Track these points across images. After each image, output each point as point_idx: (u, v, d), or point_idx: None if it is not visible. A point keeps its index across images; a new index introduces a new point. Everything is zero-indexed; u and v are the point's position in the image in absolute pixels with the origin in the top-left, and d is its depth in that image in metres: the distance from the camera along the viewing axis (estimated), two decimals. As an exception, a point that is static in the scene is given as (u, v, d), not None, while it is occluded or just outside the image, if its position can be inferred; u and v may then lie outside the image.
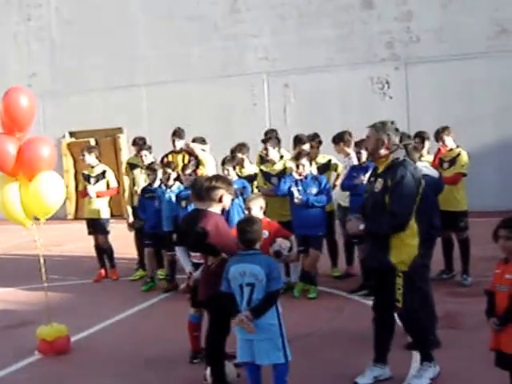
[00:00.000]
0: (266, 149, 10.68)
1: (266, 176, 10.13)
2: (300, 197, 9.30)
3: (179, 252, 7.16)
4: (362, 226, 6.12)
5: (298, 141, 10.44)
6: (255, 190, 10.01)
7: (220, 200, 6.47)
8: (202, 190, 6.54)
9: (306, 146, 10.21)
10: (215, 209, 6.47)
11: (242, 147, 10.74)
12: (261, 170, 10.24)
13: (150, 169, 10.84)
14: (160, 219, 10.54)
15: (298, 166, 9.49)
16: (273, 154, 10.36)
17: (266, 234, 6.98)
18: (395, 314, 6.32)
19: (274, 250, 6.64)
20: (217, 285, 5.93)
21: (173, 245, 10.15)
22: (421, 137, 9.92)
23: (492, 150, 16.06)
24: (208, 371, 6.39)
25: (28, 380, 7.10)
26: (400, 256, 6.05)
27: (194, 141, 11.50)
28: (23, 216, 7.65)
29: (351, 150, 9.98)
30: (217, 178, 6.74)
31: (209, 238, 6.13)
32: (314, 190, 9.43)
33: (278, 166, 10.16)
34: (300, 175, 9.47)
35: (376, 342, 6.44)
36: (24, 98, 7.56)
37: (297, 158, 9.56)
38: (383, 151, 6.19)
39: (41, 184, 7.60)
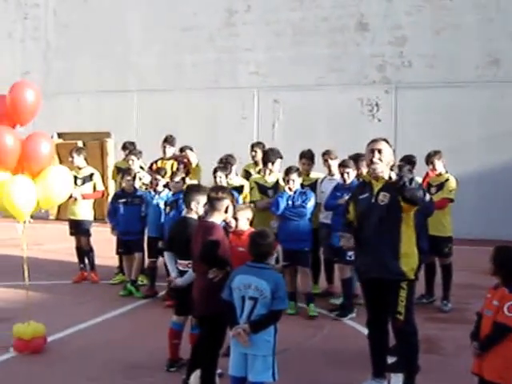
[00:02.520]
0: (255, 151, 10.86)
1: (262, 188, 10.14)
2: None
3: (167, 257, 7.21)
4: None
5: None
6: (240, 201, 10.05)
7: (225, 211, 6.46)
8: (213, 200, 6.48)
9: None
10: (218, 219, 6.44)
11: (231, 157, 10.78)
12: (256, 183, 10.21)
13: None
14: (130, 224, 10.66)
15: (288, 182, 9.54)
16: (260, 156, 10.72)
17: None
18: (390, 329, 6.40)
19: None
20: (217, 300, 5.81)
21: (157, 251, 10.36)
22: (409, 160, 9.88)
23: (476, 178, 16.21)
24: (192, 380, 6.36)
25: (1, 377, 7.06)
26: (410, 264, 6.23)
27: (182, 149, 11.58)
28: (25, 210, 7.63)
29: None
30: (222, 188, 6.75)
31: (219, 250, 6.12)
32: None
33: (272, 179, 10.19)
34: (290, 190, 9.49)
35: (372, 358, 6.53)
36: (30, 92, 7.66)
37: (287, 173, 9.59)
38: (390, 166, 6.32)
39: (54, 178, 7.75)
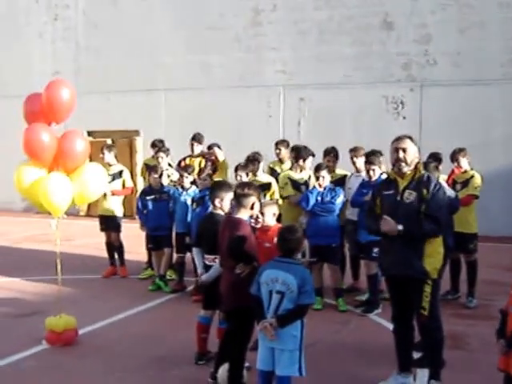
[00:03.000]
0: (279, 149, 11.06)
1: (295, 184, 10.20)
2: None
3: (195, 253, 7.26)
4: (400, 227, 6.13)
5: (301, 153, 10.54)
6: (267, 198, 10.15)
7: (252, 207, 6.45)
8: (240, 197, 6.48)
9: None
10: (244, 216, 6.45)
11: (258, 155, 10.84)
12: (289, 179, 10.25)
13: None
14: (159, 220, 10.82)
15: (317, 178, 9.65)
16: (284, 153, 10.88)
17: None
18: (415, 324, 6.43)
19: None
20: (245, 294, 5.87)
21: (185, 246, 10.52)
22: (435, 157, 9.93)
23: (501, 176, 16.17)
24: (220, 373, 6.43)
25: (34, 369, 7.19)
26: (434, 263, 6.23)
27: (210, 147, 11.73)
28: (61, 206, 7.75)
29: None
30: (249, 185, 6.69)
31: (246, 245, 6.14)
32: None
33: (303, 175, 10.29)
34: (320, 187, 9.59)
35: (398, 353, 6.56)
36: (65, 90, 7.79)
37: (316, 170, 9.69)
38: (415, 163, 6.37)
39: (89, 175, 7.93)
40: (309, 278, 5.69)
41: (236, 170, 10.08)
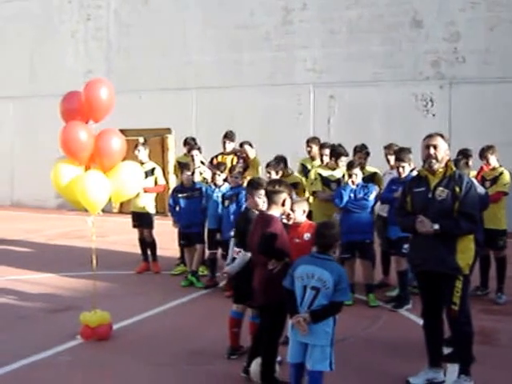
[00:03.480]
0: (310, 147, 11.15)
1: (325, 181, 10.27)
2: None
3: (231, 245, 7.45)
4: (436, 226, 6.15)
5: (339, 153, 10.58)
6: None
7: (283, 204, 6.46)
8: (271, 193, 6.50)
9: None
10: (276, 212, 6.46)
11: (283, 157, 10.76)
12: (319, 175, 10.33)
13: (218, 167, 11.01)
14: (191, 217, 10.91)
15: (350, 176, 9.71)
16: (315, 151, 11.07)
17: (308, 236, 7.17)
18: (445, 320, 6.46)
19: None
20: (277, 290, 5.97)
21: (216, 243, 10.66)
22: (465, 154, 9.99)
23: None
24: (253, 367, 6.52)
25: (69, 363, 7.26)
26: (466, 259, 6.27)
27: (241, 145, 11.85)
28: (99, 203, 7.86)
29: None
30: (280, 182, 6.69)
31: (277, 242, 6.15)
32: None
33: (337, 174, 10.33)
34: (353, 184, 9.65)
35: (428, 348, 6.59)
36: (104, 90, 7.90)
37: (349, 167, 9.75)
38: (445, 161, 6.40)
39: (126, 173, 8.04)
40: (345, 276, 5.71)
41: (267, 167, 10.16)
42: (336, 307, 5.67)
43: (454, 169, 6.53)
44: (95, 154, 7.88)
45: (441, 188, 6.30)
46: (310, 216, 8.05)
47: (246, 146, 11.64)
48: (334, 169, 10.41)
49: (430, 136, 6.52)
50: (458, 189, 6.24)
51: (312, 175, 10.50)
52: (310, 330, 5.62)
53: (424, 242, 6.32)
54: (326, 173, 10.40)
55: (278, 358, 6.60)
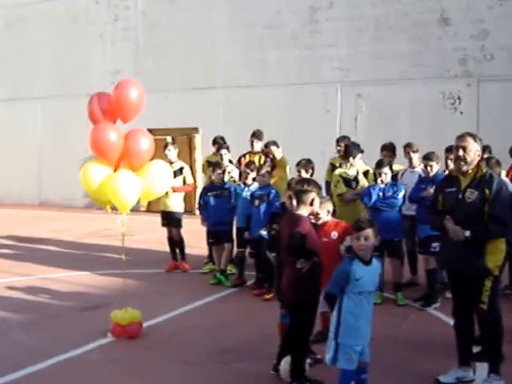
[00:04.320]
0: (340, 145, 11.16)
1: (346, 181, 10.27)
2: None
3: None
4: (467, 233, 6.10)
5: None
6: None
7: (311, 203, 6.45)
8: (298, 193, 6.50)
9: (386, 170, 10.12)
10: (304, 212, 6.45)
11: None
12: (341, 177, 10.33)
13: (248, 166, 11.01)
14: (220, 215, 10.96)
15: (380, 175, 9.68)
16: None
17: (335, 235, 7.28)
18: (475, 319, 6.43)
19: (345, 246, 6.74)
20: (306, 289, 6.09)
21: (245, 241, 10.71)
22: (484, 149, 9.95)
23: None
24: (282, 365, 6.54)
25: (99, 360, 7.33)
26: (495, 261, 6.22)
27: (267, 145, 11.87)
28: (130, 202, 7.94)
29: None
30: (308, 181, 6.68)
31: (306, 241, 6.16)
32: None
33: (353, 172, 10.35)
34: (382, 183, 9.63)
35: (458, 346, 6.57)
36: (134, 91, 7.97)
37: (379, 166, 9.72)
38: (476, 162, 6.33)
39: (156, 172, 8.11)
40: (339, 270, 5.77)
41: (297, 165, 10.18)
42: (326, 296, 5.88)
43: (485, 170, 6.45)
44: (124, 153, 7.94)
45: (470, 189, 6.26)
46: (334, 216, 8.05)
47: (272, 147, 11.68)
48: (350, 168, 10.43)
49: (460, 136, 6.45)
50: (487, 191, 6.18)
51: (334, 178, 10.52)
52: None
53: (454, 242, 6.27)
54: (346, 173, 10.42)
55: (318, 356, 6.71)
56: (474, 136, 6.45)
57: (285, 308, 6.84)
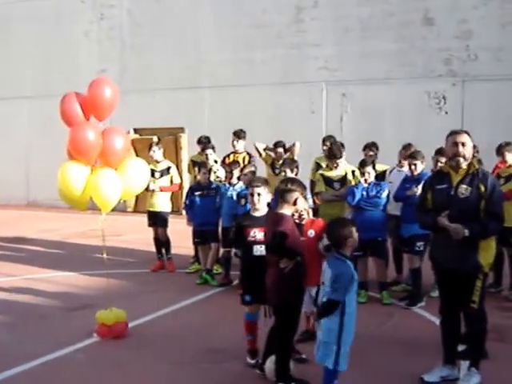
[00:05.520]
0: (326, 145, 11.10)
1: (328, 181, 10.20)
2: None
3: None
4: (466, 232, 6.06)
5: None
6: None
7: (294, 203, 6.41)
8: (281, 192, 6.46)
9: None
10: (287, 211, 6.41)
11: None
12: (321, 175, 10.31)
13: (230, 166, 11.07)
14: (206, 215, 10.98)
15: (363, 174, 9.71)
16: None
17: (312, 233, 7.32)
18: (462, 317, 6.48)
19: (324, 245, 6.63)
20: (289, 289, 6.10)
21: (231, 241, 10.68)
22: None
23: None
24: (267, 365, 6.56)
25: (85, 360, 7.35)
26: (488, 258, 6.27)
27: (276, 145, 11.98)
28: (112, 201, 7.91)
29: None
30: (292, 180, 6.63)
31: (288, 240, 6.13)
32: None
33: (338, 172, 10.24)
34: (365, 182, 9.65)
35: (444, 345, 6.61)
36: (107, 89, 7.95)
37: (362, 165, 9.74)
38: (470, 158, 6.36)
39: (133, 169, 8.09)
40: (345, 275, 5.71)
41: (282, 165, 10.19)
42: (329, 306, 5.71)
43: (477, 166, 6.46)
44: (101, 152, 7.89)
45: (464, 186, 6.25)
46: (316, 215, 8.06)
47: (257, 143, 11.78)
48: (334, 168, 10.30)
49: (457, 133, 6.45)
50: (483, 187, 6.19)
51: (316, 177, 10.53)
52: (319, 325, 5.81)
53: (445, 241, 6.27)
54: (327, 173, 10.35)
55: (303, 356, 6.77)
56: (468, 133, 6.48)
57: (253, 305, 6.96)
